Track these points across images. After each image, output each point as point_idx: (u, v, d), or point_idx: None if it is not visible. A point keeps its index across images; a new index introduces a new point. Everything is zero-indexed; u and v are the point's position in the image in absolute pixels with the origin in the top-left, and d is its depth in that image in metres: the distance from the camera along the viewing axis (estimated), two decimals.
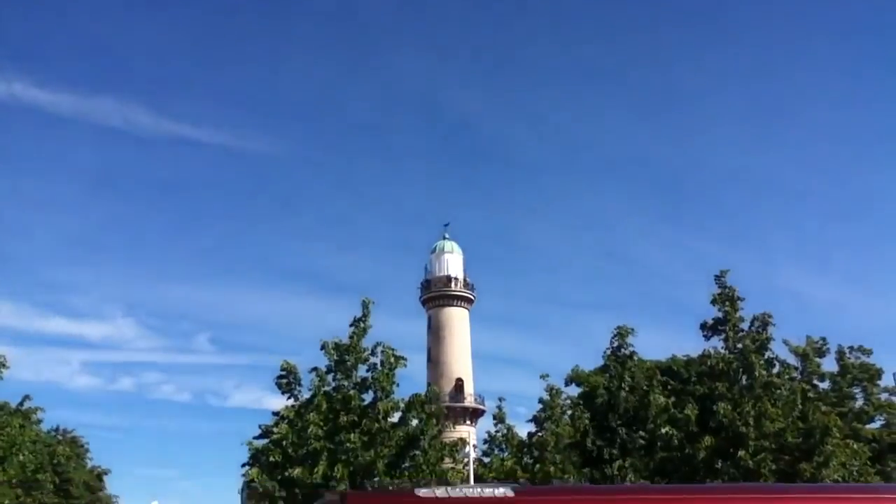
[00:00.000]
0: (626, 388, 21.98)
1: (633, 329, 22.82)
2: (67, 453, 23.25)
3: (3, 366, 13.15)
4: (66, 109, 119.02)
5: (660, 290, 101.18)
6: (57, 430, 26.85)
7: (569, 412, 23.56)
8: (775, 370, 19.74)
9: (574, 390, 25.48)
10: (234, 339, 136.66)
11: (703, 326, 20.34)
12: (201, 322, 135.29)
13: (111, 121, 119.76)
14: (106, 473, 28.90)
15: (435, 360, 60.96)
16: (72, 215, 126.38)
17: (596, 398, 23.60)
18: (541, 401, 23.08)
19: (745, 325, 19.55)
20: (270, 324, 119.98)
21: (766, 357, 19.41)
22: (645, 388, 21.72)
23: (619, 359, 22.31)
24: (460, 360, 62.95)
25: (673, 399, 21.62)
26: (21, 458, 13.62)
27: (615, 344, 22.60)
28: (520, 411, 72.51)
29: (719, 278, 20.03)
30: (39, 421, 22.07)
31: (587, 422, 22.54)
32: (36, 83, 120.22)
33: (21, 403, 15.70)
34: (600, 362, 25.24)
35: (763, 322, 19.43)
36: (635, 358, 22.71)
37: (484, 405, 62.48)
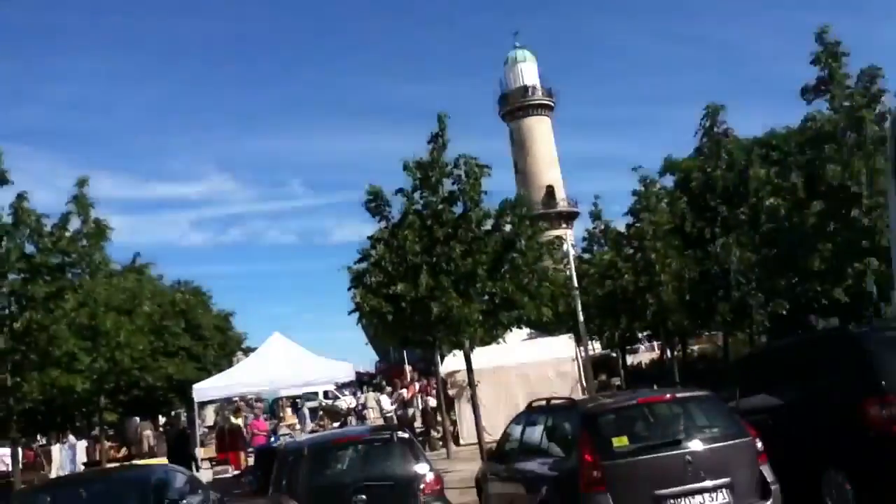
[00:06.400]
0: (724, 166, 21.17)
1: (723, 105, 21.62)
2: (191, 301, 24.91)
3: (109, 228, 13.62)
4: None
5: (750, 71, 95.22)
6: (179, 282, 28.66)
7: (665, 200, 23.10)
8: (886, 124, 18.33)
9: (668, 181, 24.83)
10: (327, 179, 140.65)
11: (805, 90, 18.83)
12: (293, 167, 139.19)
13: None
14: (232, 315, 30.96)
15: (522, 171, 60.63)
16: (147, 86, 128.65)
17: (691, 182, 23.01)
18: (635, 192, 22.67)
19: (850, 83, 18.01)
20: (359, 160, 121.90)
21: (876, 112, 17.97)
22: (743, 163, 20.84)
23: (712, 137, 21.38)
24: (548, 168, 62.44)
25: (775, 170, 20.70)
26: (146, 308, 14.55)
27: (706, 123, 21.57)
28: (614, 209, 72.26)
29: (820, 36, 18.26)
30: (160, 276, 23.46)
31: (684, 206, 22.13)
32: None
33: (133, 261, 16.58)
34: (693, 151, 24.45)
35: (871, 76, 17.77)
36: (730, 134, 21.68)
37: (577, 208, 62.55)
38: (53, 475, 19.10)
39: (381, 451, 7.79)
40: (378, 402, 24.79)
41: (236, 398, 24.36)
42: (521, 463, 8.33)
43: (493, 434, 14.04)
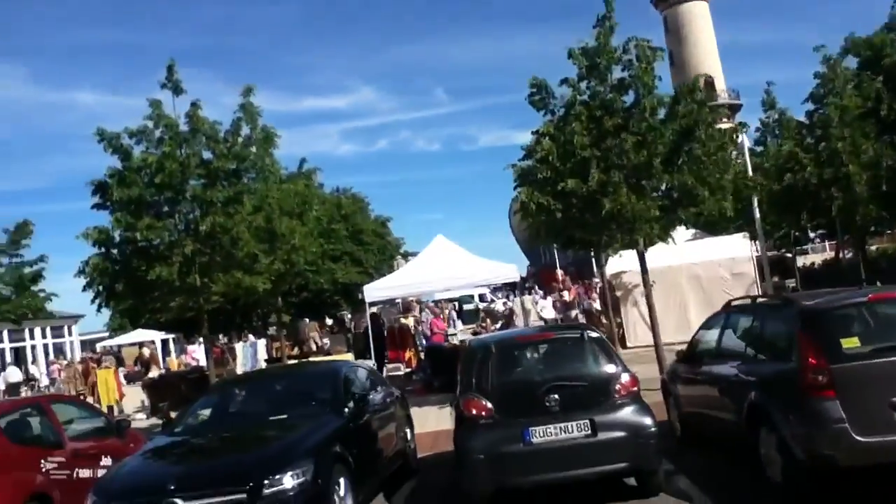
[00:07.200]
0: None
1: None
2: (353, 206, 25.50)
3: (276, 135, 13.77)
4: None
5: None
6: (338, 190, 29.37)
7: (852, 83, 20.81)
8: None
9: (851, 62, 22.18)
10: (468, 85, 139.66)
11: None
12: (434, 75, 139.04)
13: None
14: (389, 220, 31.52)
15: (679, 62, 56.88)
16: (286, 6, 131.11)
17: (882, 60, 20.63)
18: (817, 75, 20.58)
19: None
20: (500, 64, 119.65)
21: None
22: None
23: None
24: (706, 58, 58.39)
25: None
26: (314, 212, 14.86)
27: None
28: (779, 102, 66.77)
29: None
30: (321, 185, 24.06)
31: (879, 86, 19.87)
32: None
33: (300, 166, 16.89)
34: (882, 27, 21.80)
35: None
36: None
37: (739, 99, 58.33)
38: (238, 370, 20.56)
39: (571, 350, 7.38)
40: (535, 304, 24.61)
41: (398, 299, 25.07)
42: (720, 366, 7.73)
43: (661, 336, 13.38)
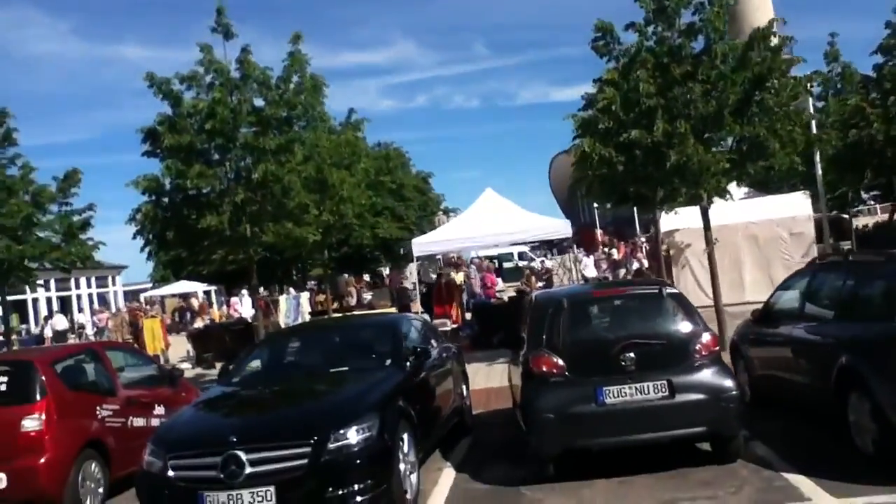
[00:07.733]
0: None
1: None
2: (396, 161, 25.22)
3: (325, 84, 13.38)
4: None
5: None
6: (379, 144, 29.03)
7: None
8: None
9: None
10: (509, 39, 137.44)
11: None
12: (475, 29, 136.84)
13: None
14: (431, 176, 31.20)
15: (732, 14, 54.84)
16: None
17: None
18: (888, 24, 19.41)
19: None
20: (542, 18, 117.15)
21: None
22: None
23: None
24: (757, 8, 56.14)
25: None
26: (362, 164, 14.53)
27: None
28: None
29: None
30: (364, 137, 23.75)
31: None
32: None
33: (349, 117, 16.47)
34: None
35: None
36: None
37: (791, 54, 56.19)
38: (281, 323, 20.55)
39: (648, 307, 6.97)
40: (577, 263, 24.16)
41: (438, 256, 24.80)
42: (803, 327, 7.28)
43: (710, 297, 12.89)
